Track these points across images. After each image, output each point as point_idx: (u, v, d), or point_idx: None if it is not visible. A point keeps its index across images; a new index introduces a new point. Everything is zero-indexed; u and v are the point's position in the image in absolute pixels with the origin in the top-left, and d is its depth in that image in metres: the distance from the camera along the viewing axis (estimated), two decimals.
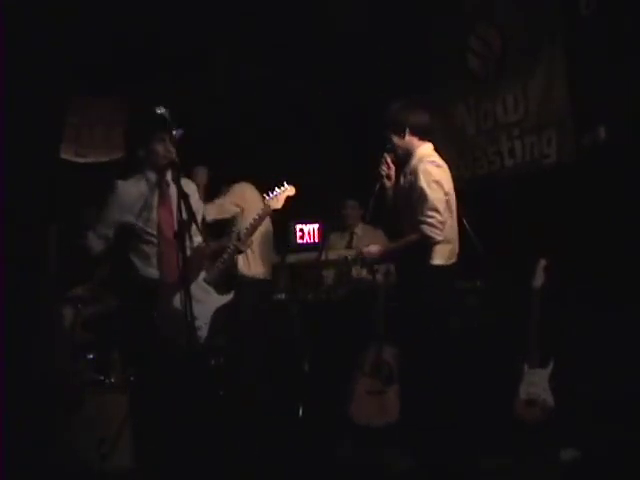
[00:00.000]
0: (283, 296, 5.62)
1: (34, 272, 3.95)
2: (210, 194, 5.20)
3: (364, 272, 5.44)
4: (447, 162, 5.90)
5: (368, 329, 4.84)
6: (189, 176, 4.32)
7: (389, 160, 4.12)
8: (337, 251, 5.73)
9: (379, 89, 5.88)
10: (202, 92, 5.84)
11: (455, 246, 4.03)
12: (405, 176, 4.07)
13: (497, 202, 5.35)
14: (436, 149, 4.09)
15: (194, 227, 3.65)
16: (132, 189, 3.82)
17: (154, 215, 3.80)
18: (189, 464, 3.46)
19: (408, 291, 4.04)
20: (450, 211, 4.00)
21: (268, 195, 4.24)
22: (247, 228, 4.16)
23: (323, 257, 5.43)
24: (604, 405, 4.06)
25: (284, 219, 5.33)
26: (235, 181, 5.32)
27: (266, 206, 4.19)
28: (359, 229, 6.02)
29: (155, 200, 3.83)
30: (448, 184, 4.02)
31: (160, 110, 3.59)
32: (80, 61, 5.04)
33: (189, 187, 3.89)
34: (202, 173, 5.21)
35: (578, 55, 4.91)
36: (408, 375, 4.17)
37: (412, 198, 3.93)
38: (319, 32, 5.67)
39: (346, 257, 5.49)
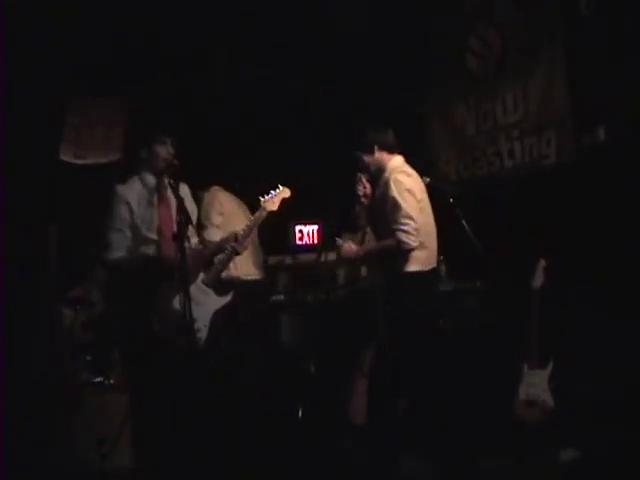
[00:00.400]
0: (282, 297, 5.62)
1: (34, 272, 3.95)
2: None
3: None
4: (447, 162, 5.95)
5: (368, 329, 4.84)
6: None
7: (364, 180, 4.34)
8: None
9: (379, 89, 5.90)
10: (202, 92, 5.84)
11: (432, 251, 4.22)
12: (378, 189, 4.27)
13: (497, 202, 5.35)
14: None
15: (190, 229, 3.68)
16: (131, 191, 3.83)
17: (155, 217, 3.82)
18: (189, 464, 3.47)
19: (388, 297, 4.20)
20: (425, 218, 4.19)
21: (264, 197, 4.26)
22: (244, 229, 4.16)
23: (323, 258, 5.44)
24: (604, 405, 4.06)
25: (283, 220, 5.32)
26: (203, 186, 5.23)
27: (262, 208, 4.20)
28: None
29: (155, 202, 3.84)
30: (421, 192, 4.23)
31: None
32: (80, 61, 5.05)
33: (183, 190, 3.93)
34: None
35: (578, 55, 4.91)
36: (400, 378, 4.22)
37: (386, 209, 4.12)
38: (319, 32, 5.66)
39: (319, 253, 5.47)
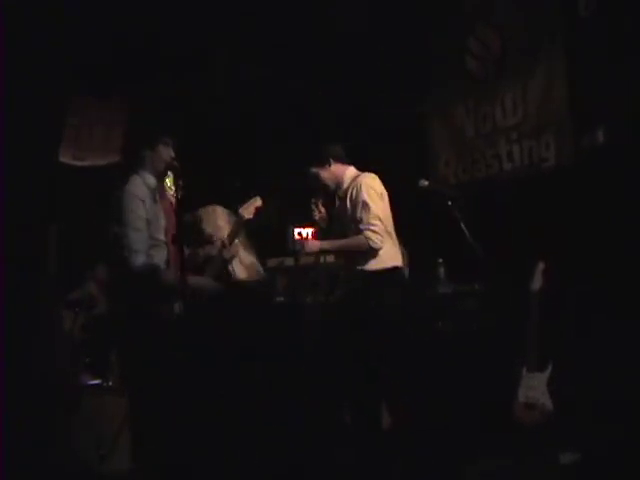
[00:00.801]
0: (282, 299, 5.62)
1: (34, 272, 3.93)
2: None
3: None
4: (446, 164, 5.96)
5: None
6: None
7: (319, 205, 4.48)
8: None
9: (379, 89, 5.89)
10: (202, 92, 5.83)
11: (396, 252, 4.38)
12: (340, 199, 4.45)
13: (496, 205, 5.35)
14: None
15: None
16: (141, 190, 3.78)
17: (161, 219, 3.79)
18: (189, 465, 3.46)
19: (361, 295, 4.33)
20: (388, 220, 4.38)
21: (240, 206, 4.32)
22: (228, 236, 4.29)
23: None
24: (604, 407, 4.06)
25: (282, 222, 5.32)
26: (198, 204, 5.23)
27: (240, 216, 4.27)
28: None
29: (159, 204, 3.82)
30: (386, 196, 4.42)
31: None
32: (80, 61, 5.04)
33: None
34: None
35: (577, 57, 4.91)
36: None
37: (355, 212, 4.29)
38: (319, 32, 5.65)
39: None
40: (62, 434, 3.71)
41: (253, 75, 5.97)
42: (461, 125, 5.83)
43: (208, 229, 5.03)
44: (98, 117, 6.17)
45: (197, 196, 4.53)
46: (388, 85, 5.78)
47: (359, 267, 4.29)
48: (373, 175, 4.42)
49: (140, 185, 3.75)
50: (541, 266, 4.46)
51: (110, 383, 4.33)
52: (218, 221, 5.18)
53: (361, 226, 4.25)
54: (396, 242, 4.42)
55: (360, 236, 4.25)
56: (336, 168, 4.47)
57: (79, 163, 6.00)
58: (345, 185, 4.44)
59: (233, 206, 4.90)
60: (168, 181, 3.93)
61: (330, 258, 5.34)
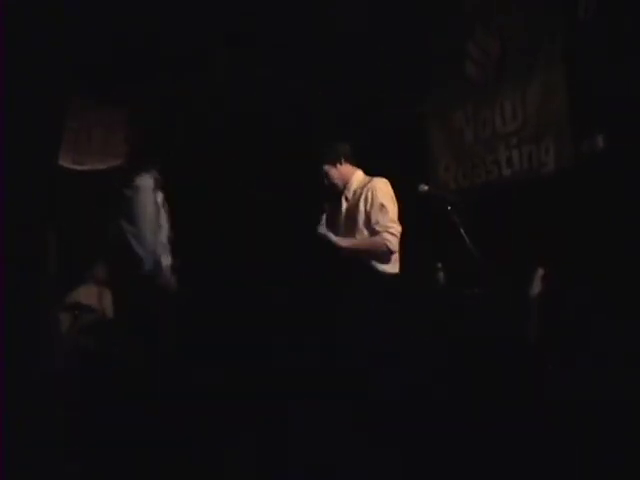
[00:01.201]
0: None
1: (34, 272, 3.91)
2: None
3: None
4: (446, 169, 5.97)
5: None
6: None
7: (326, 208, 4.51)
8: None
9: (379, 89, 5.89)
10: (202, 92, 5.81)
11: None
12: (348, 200, 4.45)
13: (496, 210, 5.35)
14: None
15: None
16: (154, 196, 3.75)
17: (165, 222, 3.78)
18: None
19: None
20: None
21: None
22: None
23: None
24: (603, 411, 4.06)
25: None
26: None
27: None
28: None
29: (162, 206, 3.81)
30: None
31: None
32: (80, 61, 5.02)
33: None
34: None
35: (577, 59, 4.93)
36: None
37: (369, 216, 4.29)
38: (318, 35, 5.64)
39: None
40: (61, 435, 3.70)
41: (253, 75, 5.97)
42: (460, 131, 5.87)
43: None
44: (97, 120, 6.15)
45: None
46: (388, 89, 5.78)
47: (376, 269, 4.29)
48: (385, 180, 4.42)
49: (152, 188, 3.73)
50: (540, 272, 4.48)
51: None
52: None
53: (378, 228, 4.26)
54: None
55: (377, 237, 4.25)
56: (346, 168, 4.48)
57: (79, 167, 6.01)
58: (353, 187, 4.45)
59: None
60: None
61: None
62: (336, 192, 4.50)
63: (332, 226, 4.47)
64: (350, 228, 4.39)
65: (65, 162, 5.85)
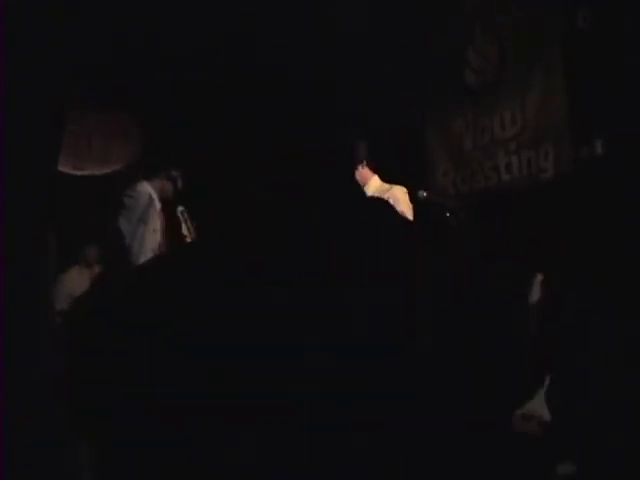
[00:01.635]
0: None
1: (34, 272, 3.86)
2: None
3: None
4: (445, 175, 5.98)
5: None
6: None
7: None
8: None
9: (379, 89, 5.89)
10: (202, 93, 5.80)
11: None
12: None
13: (495, 215, 5.36)
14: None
15: None
16: (152, 201, 3.87)
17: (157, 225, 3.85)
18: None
19: None
20: None
21: None
22: None
23: None
24: (602, 416, 4.05)
25: None
26: None
27: None
28: None
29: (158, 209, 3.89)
30: None
31: None
32: (80, 61, 5.00)
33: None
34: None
35: (576, 67, 4.97)
36: None
37: None
38: (319, 39, 5.65)
39: None
40: (61, 437, 3.64)
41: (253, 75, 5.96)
42: (460, 138, 5.95)
43: None
44: (97, 126, 6.20)
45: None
46: (388, 85, 5.78)
47: None
48: (405, 189, 4.46)
49: (152, 196, 3.91)
50: (539, 278, 4.48)
51: None
52: None
53: None
54: None
55: None
56: (366, 172, 4.54)
57: (79, 173, 6.06)
58: (370, 192, 4.46)
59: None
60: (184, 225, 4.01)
61: None
62: None
63: None
64: None
65: (65, 168, 5.88)
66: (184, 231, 4.15)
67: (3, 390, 2.93)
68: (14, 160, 3.55)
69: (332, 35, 5.64)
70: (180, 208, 4.22)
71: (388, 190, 4.42)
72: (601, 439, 3.90)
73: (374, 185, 4.50)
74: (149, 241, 3.90)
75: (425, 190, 4.52)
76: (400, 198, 4.36)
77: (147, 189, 3.98)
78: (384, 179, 4.52)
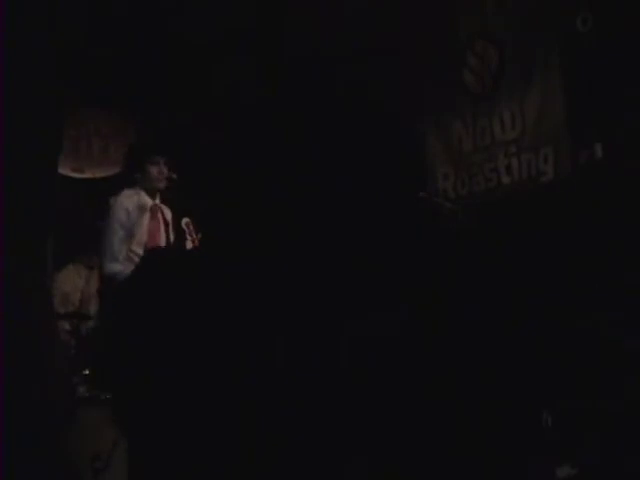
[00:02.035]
0: None
1: (34, 272, 3.77)
2: None
3: None
4: (445, 177, 5.94)
5: None
6: None
7: None
8: None
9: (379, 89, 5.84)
10: (202, 95, 5.74)
11: None
12: None
13: (495, 218, 5.31)
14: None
15: None
16: (129, 201, 3.89)
17: (143, 236, 3.85)
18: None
19: None
20: None
21: None
22: None
23: None
24: (601, 419, 4.01)
25: None
26: None
27: None
28: None
29: (145, 221, 3.88)
30: None
31: None
32: (80, 61, 4.94)
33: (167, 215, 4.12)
34: None
35: (576, 70, 4.95)
36: None
37: None
38: (320, 43, 5.59)
39: None
40: (58, 445, 3.53)
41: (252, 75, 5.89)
42: (459, 140, 5.83)
43: None
44: (96, 129, 6.17)
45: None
46: (384, 97, 5.74)
47: None
48: None
49: (130, 197, 3.86)
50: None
51: (108, 396, 4.21)
52: None
53: None
54: None
55: None
56: None
57: (78, 175, 6.05)
58: None
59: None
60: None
61: None
62: None
63: None
64: None
65: (64, 170, 5.84)
66: (188, 244, 4.13)
67: (3, 391, 2.80)
68: (14, 160, 3.41)
69: (333, 31, 5.58)
70: (185, 220, 4.17)
71: None
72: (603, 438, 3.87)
73: None
74: (119, 248, 3.89)
75: (425, 192, 4.47)
76: None
77: (122, 199, 3.97)
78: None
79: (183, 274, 3.32)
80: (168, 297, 3.38)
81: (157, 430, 3.33)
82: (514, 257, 4.95)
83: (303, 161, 5.75)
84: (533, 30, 5.20)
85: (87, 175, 6.17)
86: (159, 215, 4.08)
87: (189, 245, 4.36)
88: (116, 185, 4.35)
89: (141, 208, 3.98)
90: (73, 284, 5.15)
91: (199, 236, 4.33)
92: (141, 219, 3.96)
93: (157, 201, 4.09)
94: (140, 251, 3.88)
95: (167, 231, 4.09)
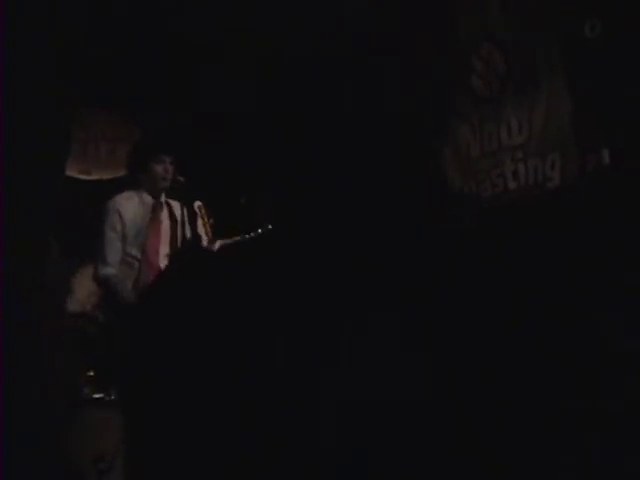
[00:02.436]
0: None
1: (34, 272, 3.78)
2: None
3: None
4: (452, 183, 5.88)
5: None
6: None
7: None
8: None
9: (379, 89, 5.84)
10: (202, 95, 5.75)
11: None
12: None
13: (501, 223, 5.30)
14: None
15: None
16: (126, 203, 3.85)
17: (142, 238, 3.82)
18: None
19: None
20: None
21: None
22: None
23: None
24: (601, 419, 3.97)
25: None
26: None
27: None
28: None
29: (146, 222, 3.85)
30: None
31: None
32: (80, 61, 4.93)
33: (177, 210, 4.09)
34: None
35: (582, 76, 4.93)
36: None
37: None
38: (323, 46, 5.59)
39: None
40: (61, 447, 3.54)
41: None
42: (466, 144, 5.82)
43: None
44: (103, 131, 6.18)
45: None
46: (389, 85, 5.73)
47: None
48: None
49: (128, 199, 3.86)
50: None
51: (112, 397, 4.22)
52: None
53: None
54: None
55: None
56: None
57: (85, 177, 6.07)
58: None
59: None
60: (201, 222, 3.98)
61: None
62: None
63: None
64: None
65: (71, 172, 5.86)
66: (199, 229, 4.09)
67: (3, 391, 2.80)
68: (14, 160, 3.41)
69: (332, 36, 5.58)
70: (197, 203, 4.16)
71: None
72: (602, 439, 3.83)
73: None
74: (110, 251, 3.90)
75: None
76: None
77: (117, 201, 3.99)
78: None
79: (183, 275, 3.32)
80: (168, 297, 3.39)
81: (158, 430, 3.33)
82: (520, 262, 4.94)
83: (303, 161, 5.76)
84: (540, 35, 5.19)
85: (94, 177, 6.21)
86: (162, 215, 4.05)
87: (200, 229, 4.37)
88: (120, 187, 4.37)
89: (142, 209, 3.96)
90: (88, 288, 5.15)
91: (211, 221, 4.32)
92: (140, 221, 3.95)
93: (162, 199, 4.06)
94: (137, 253, 3.87)
95: (175, 228, 4.03)
